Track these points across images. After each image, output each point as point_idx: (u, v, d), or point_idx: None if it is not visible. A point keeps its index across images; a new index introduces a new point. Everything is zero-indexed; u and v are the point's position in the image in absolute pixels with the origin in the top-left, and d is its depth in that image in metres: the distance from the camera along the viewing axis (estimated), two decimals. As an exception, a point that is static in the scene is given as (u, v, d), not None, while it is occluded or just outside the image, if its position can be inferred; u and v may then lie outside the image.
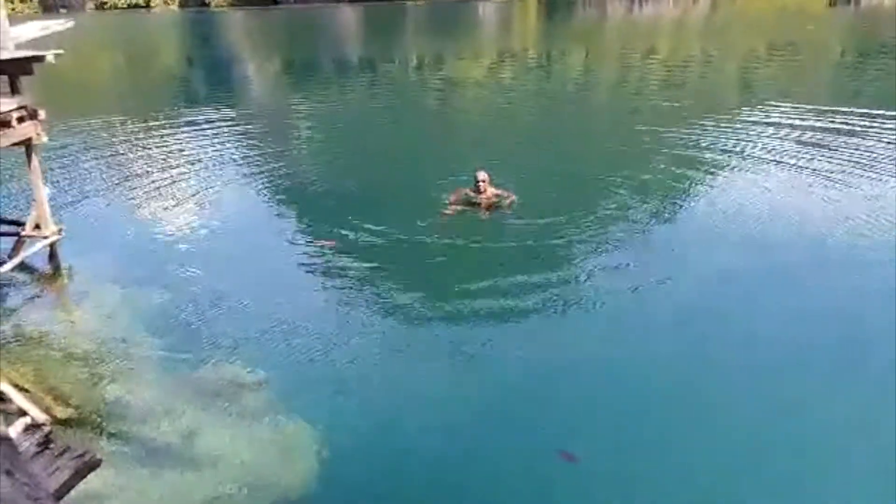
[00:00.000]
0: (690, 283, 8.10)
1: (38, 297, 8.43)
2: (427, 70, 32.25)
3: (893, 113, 15.63)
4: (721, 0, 76.96)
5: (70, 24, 9.65)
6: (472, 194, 10.10)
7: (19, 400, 5.60)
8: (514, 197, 10.26)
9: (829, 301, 7.64)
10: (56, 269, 8.88)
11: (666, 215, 10.26)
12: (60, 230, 8.88)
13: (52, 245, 8.81)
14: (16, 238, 8.87)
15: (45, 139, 8.52)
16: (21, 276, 8.70)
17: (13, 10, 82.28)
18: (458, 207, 10.07)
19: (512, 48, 41.31)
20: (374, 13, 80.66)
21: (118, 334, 7.26)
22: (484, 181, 10.04)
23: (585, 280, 8.13)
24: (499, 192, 10.26)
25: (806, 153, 12.97)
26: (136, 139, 16.48)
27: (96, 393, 6.30)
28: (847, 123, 14.95)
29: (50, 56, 7.93)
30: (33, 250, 8.73)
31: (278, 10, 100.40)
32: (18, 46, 8.14)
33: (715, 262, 8.68)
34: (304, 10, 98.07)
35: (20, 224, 9.02)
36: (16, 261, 8.52)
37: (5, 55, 7.65)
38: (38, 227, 8.77)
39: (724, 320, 7.36)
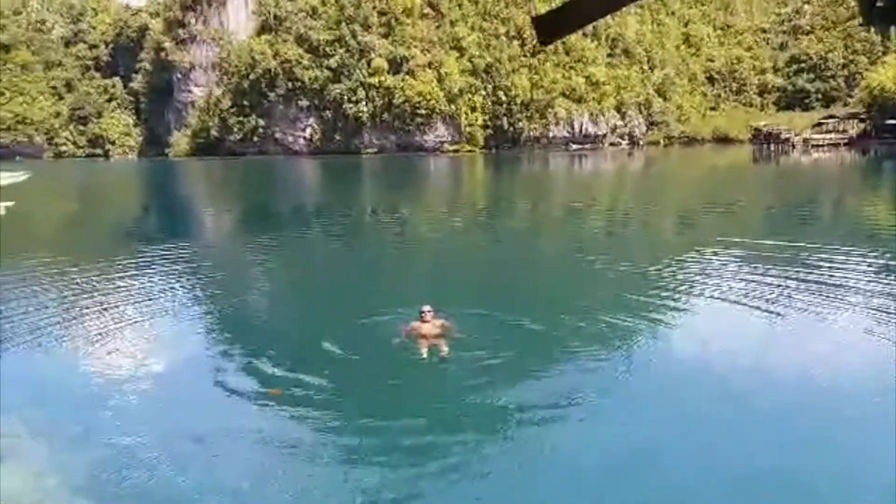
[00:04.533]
0: (642, 428, 7.97)
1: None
2: (382, 217, 33.28)
3: (821, 252, 16.71)
4: (655, 158, 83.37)
5: (24, 176, 9.76)
6: (417, 325, 10.55)
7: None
8: (450, 325, 10.63)
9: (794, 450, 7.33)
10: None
11: (614, 354, 10.30)
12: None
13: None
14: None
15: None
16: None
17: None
18: (406, 338, 10.49)
19: (463, 197, 43.25)
20: (330, 165, 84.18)
21: (44, 498, 6.68)
22: (428, 311, 10.52)
23: (531, 419, 8.09)
24: (446, 323, 10.68)
25: (753, 291, 13.42)
26: (83, 286, 16.10)
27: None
28: (784, 262, 15.74)
29: (0, 209, 7.95)
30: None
31: (236, 161, 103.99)
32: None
33: (670, 402, 8.68)
34: (263, 160, 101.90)
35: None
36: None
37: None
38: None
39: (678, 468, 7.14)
